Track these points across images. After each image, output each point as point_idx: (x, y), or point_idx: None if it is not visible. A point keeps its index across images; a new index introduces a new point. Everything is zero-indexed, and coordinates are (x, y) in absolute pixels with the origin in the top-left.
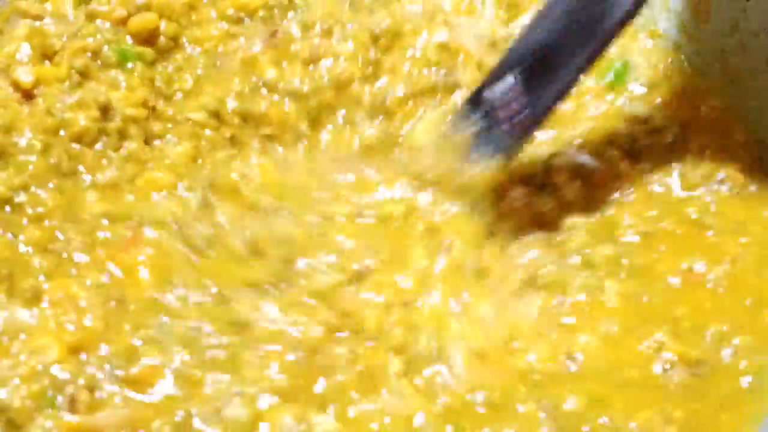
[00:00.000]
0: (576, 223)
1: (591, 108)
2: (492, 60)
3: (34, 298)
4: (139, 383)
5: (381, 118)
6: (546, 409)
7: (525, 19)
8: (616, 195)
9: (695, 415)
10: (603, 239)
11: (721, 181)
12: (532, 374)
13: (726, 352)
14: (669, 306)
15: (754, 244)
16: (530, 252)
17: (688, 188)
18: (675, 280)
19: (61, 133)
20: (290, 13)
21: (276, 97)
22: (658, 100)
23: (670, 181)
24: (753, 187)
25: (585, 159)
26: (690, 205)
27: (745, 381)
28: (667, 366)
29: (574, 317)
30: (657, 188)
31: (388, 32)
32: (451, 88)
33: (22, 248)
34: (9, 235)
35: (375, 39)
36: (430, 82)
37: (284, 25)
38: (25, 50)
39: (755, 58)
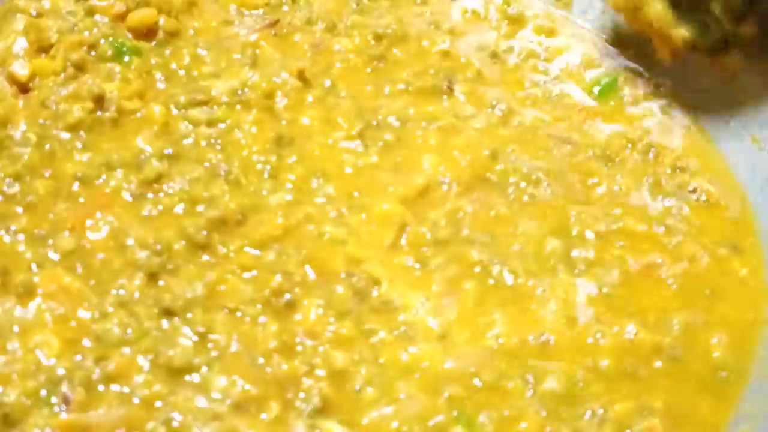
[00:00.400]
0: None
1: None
2: (492, 70)
3: (27, 293)
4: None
5: None
6: (530, 385)
7: (527, 32)
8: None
9: (674, 404)
10: (554, 233)
11: (693, 191)
12: (507, 352)
13: (694, 340)
14: (633, 298)
15: (711, 244)
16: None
17: (658, 195)
18: (635, 275)
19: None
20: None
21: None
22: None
23: (641, 186)
24: (719, 196)
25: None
26: (654, 208)
27: (717, 368)
28: (639, 354)
29: (534, 304)
30: (624, 190)
31: (393, 35)
32: (446, 92)
33: (12, 240)
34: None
35: (378, 38)
36: (429, 84)
37: (287, 16)
38: (21, 44)
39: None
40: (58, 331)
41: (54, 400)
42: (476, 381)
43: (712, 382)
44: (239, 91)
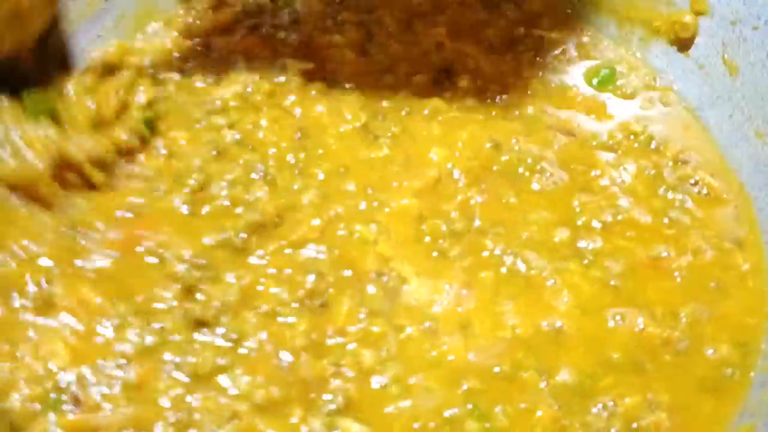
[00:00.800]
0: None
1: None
2: (489, 62)
3: (45, 306)
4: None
5: None
6: (544, 377)
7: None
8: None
9: (681, 399)
10: (562, 223)
11: (694, 183)
12: (524, 342)
13: (701, 335)
14: (640, 290)
15: (715, 238)
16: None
17: (660, 186)
18: (642, 267)
19: None
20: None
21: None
22: (638, 103)
23: (643, 178)
24: (720, 190)
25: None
26: (659, 200)
27: (722, 364)
28: (648, 347)
29: (546, 294)
30: (627, 182)
31: (386, 28)
32: (446, 84)
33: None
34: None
35: (370, 36)
36: (428, 76)
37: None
38: None
39: (756, 52)
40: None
41: (63, 398)
42: (496, 369)
43: (717, 378)
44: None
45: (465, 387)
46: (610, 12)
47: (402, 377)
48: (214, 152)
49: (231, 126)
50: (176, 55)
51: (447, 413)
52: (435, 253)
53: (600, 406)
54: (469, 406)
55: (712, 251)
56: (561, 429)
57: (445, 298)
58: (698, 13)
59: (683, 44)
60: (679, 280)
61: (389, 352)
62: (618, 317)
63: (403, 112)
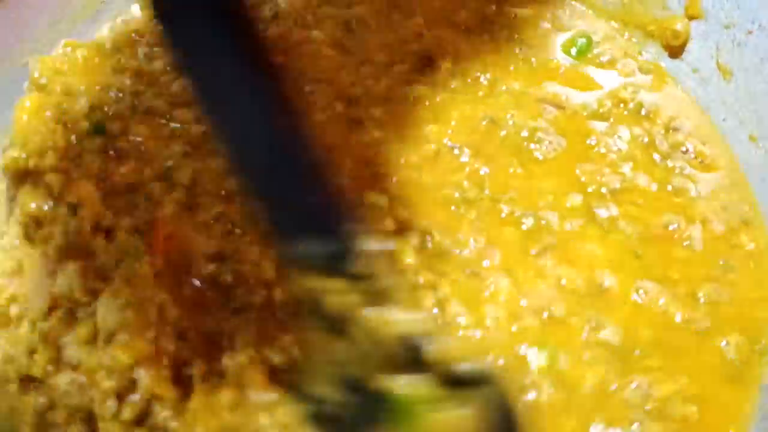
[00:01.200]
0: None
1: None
2: (468, 45)
3: None
4: None
5: None
6: (588, 329)
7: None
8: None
9: (709, 390)
10: (572, 190)
11: (685, 152)
12: (573, 292)
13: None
14: (660, 263)
15: (720, 209)
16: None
17: (655, 154)
18: (656, 236)
19: None
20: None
21: None
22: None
23: (638, 144)
24: (712, 159)
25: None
26: (658, 168)
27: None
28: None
29: (575, 248)
30: (625, 149)
31: (362, 19)
32: (428, 69)
33: None
34: None
35: (349, 28)
36: (408, 63)
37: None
38: None
39: (749, 56)
40: None
41: None
42: (544, 314)
43: (734, 369)
44: None
45: (520, 325)
46: (606, 15)
47: (467, 311)
48: (188, 147)
49: (197, 119)
50: (141, 41)
51: (518, 349)
52: (451, 217)
53: (635, 384)
54: (534, 350)
55: (719, 223)
56: (605, 395)
57: (473, 251)
58: (692, 17)
59: (674, 51)
60: (696, 248)
61: (446, 293)
62: (642, 291)
63: (386, 101)
